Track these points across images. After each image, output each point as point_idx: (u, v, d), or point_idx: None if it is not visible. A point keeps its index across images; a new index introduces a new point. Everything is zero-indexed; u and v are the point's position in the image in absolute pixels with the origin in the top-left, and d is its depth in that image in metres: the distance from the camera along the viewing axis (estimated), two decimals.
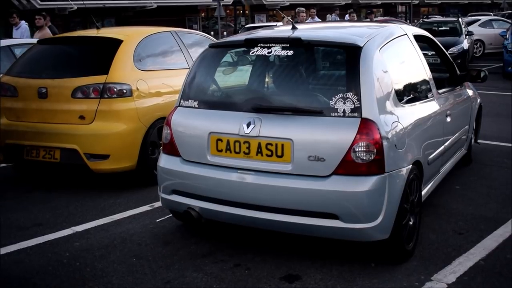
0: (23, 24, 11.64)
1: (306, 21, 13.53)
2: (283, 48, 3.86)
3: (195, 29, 23.97)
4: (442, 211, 4.78)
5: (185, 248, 4.12)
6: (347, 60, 3.76)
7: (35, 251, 4.16)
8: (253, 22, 32.38)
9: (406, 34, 4.62)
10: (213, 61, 4.37)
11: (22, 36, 11.01)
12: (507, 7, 45.49)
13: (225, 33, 27.42)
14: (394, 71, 4.01)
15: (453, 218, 4.62)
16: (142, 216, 4.85)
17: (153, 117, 5.69)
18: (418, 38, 4.86)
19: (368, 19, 21.35)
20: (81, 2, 22.21)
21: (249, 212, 3.69)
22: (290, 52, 3.85)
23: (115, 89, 5.43)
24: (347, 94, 3.53)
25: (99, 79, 5.44)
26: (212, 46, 4.41)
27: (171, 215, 4.57)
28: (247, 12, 36.14)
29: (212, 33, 26.52)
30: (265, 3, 33.67)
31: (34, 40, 7.94)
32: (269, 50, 3.90)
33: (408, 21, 32.20)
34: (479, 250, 3.97)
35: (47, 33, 10.58)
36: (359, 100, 3.50)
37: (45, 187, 5.81)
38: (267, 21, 32.53)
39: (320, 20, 16.78)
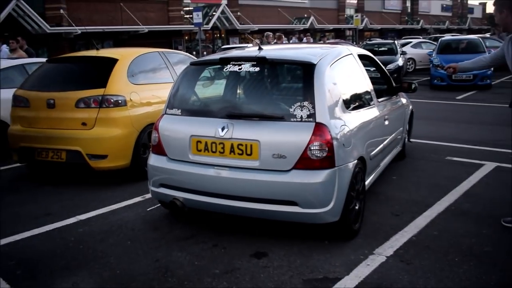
0: (4, 47, 10.98)
1: (272, 43, 13.51)
2: (252, 65, 3.85)
3: (179, 50, 23.84)
4: (382, 197, 4.84)
5: (171, 232, 4.08)
6: (303, 75, 3.76)
7: (45, 237, 4.07)
8: (228, 44, 32.29)
9: (351, 53, 4.65)
10: (193, 76, 4.32)
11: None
12: (433, 32, 46.68)
13: (205, 53, 27.20)
14: (342, 84, 4.04)
15: (391, 202, 4.68)
16: (135, 206, 4.77)
17: (144, 123, 5.60)
18: (361, 56, 4.90)
19: (322, 41, 21.52)
20: (84, 28, 21.80)
21: (225, 201, 3.67)
22: (257, 69, 3.84)
23: (112, 100, 5.34)
24: (304, 102, 3.54)
25: (99, 91, 5.34)
26: (193, 63, 4.37)
27: (159, 204, 4.52)
28: (223, 35, 36.01)
29: (194, 52, 26.29)
30: (238, 28, 33.67)
31: (44, 59, 7.74)
32: (240, 67, 3.89)
33: (354, 43, 32.50)
34: (411, 228, 4.03)
35: (22, 54, 9.90)
36: (313, 107, 3.51)
37: (53, 183, 5.68)
38: (239, 43, 32.45)
39: (286, 42, 16.88)
